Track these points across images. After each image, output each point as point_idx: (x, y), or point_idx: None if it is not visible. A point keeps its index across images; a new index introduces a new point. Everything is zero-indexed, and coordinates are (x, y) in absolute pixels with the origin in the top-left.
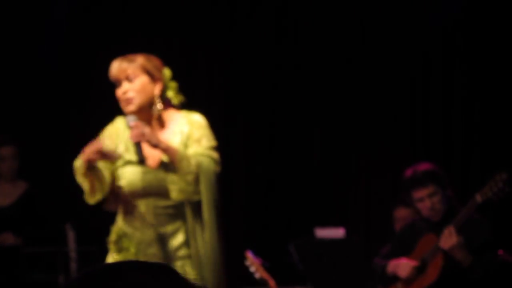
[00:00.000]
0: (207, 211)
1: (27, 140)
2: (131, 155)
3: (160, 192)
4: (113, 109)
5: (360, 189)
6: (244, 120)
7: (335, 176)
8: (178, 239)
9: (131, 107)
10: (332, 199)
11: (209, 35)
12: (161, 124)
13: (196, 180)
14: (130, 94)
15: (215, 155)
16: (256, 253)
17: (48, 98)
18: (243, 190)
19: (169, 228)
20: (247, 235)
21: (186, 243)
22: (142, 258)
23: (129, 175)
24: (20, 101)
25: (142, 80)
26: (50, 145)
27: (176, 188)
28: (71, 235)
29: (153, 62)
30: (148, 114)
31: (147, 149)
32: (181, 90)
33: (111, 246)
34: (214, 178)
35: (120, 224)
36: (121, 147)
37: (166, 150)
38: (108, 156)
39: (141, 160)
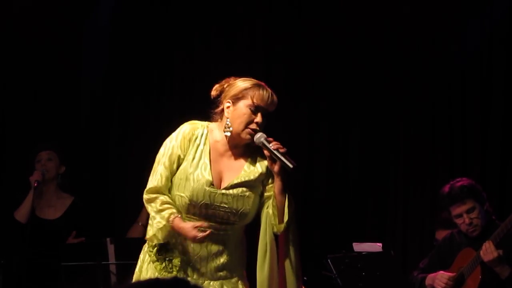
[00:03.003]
0: (295, 249)
1: (69, 154)
2: (199, 171)
3: (216, 213)
4: (154, 124)
5: (398, 207)
6: (283, 136)
7: (372, 193)
8: (221, 260)
9: (252, 137)
10: (370, 216)
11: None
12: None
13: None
14: (259, 129)
15: None
16: None
17: (90, 114)
18: None
19: (214, 248)
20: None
21: (228, 265)
22: (182, 271)
23: (192, 190)
24: (64, 117)
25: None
26: (91, 159)
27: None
28: (111, 249)
29: None
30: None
31: (214, 169)
32: None
33: (153, 252)
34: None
35: None
36: (189, 156)
37: (283, 178)
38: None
39: (295, 167)
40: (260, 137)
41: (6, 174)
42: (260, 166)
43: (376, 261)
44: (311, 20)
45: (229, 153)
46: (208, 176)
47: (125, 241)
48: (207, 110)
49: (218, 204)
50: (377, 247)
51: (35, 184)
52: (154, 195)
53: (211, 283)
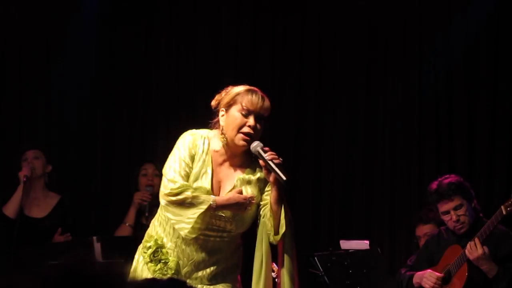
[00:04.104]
0: (291, 259)
1: (56, 153)
2: (203, 182)
3: (213, 221)
4: (140, 124)
5: (385, 204)
6: (270, 135)
7: (359, 190)
8: (216, 267)
9: (247, 143)
10: (357, 213)
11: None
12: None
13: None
14: (254, 133)
15: None
16: None
17: (78, 113)
18: None
19: (210, 254)
20: (272, 247)
21: (223, 272)
22: (177, 274)
23: None
24: (51, 116)
25: (262, 125)
26: (78, 157)
27: (271, 234)
28: (97, 247)
29: None
30: (244, 152)
31: (214, 178)
32: None
33: (147, 253)
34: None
35: (160, 235)
36: (196, 166)
37: (281, 188)
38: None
39: (288, 180)
40: (256, 146)
41: None
42: (259, 175)
43: (363, 259)
44: (296, 17)
45: (228, 162)
46: (207, 185)
47: (112, 239)
48: (206, 121)
49: (215, 213)
50: (364, 244)
51: (25, 179)
52: (179, 190)
53: (204, 287)
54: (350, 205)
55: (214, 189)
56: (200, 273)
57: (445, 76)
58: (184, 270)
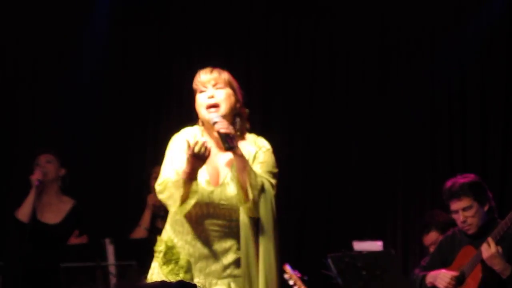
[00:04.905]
0: (267, 232)
1: (69, 156)
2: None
3: (217, 211)
4: (154, 126)
5: (398, 205)
6: (283, 137)
7: (373, 191)
8: (228, 258)
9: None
10: (370, 214)
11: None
12: None
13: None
14: (216, 100)
15: (273, 180)
16: (295, 267)
17: (92, 116)
18: (281, 204)
19: (220, 245)
20: (285, 248)
21: (235, 263)
22: (190, 272)
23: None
24: (67, 120)
25: (227, 91)
26: (89, 159)
27: (246, 207)
28: (110, 250)
29: (235, 80)
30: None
31: (210, 167)
32: None
33: (159, 257)
34: (273, 201)
35: (170, 235)
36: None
37: (241, 156)
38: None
39: (231, 147)
40: (212, 117)
41: (12, 178)
42: (246, 152)
43: (376, 260)
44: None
45: (220, 148)
46: (204, 174)
47: (125, 242)
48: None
49: (217, 202)
50: (377, 245)
51: (37, 183)
52: (162, 186)
53: (218, 282)
54: (363, 206)
55: (212, 178)
56: (213, 267)
57: (458, 73)
58: (196, 266)
